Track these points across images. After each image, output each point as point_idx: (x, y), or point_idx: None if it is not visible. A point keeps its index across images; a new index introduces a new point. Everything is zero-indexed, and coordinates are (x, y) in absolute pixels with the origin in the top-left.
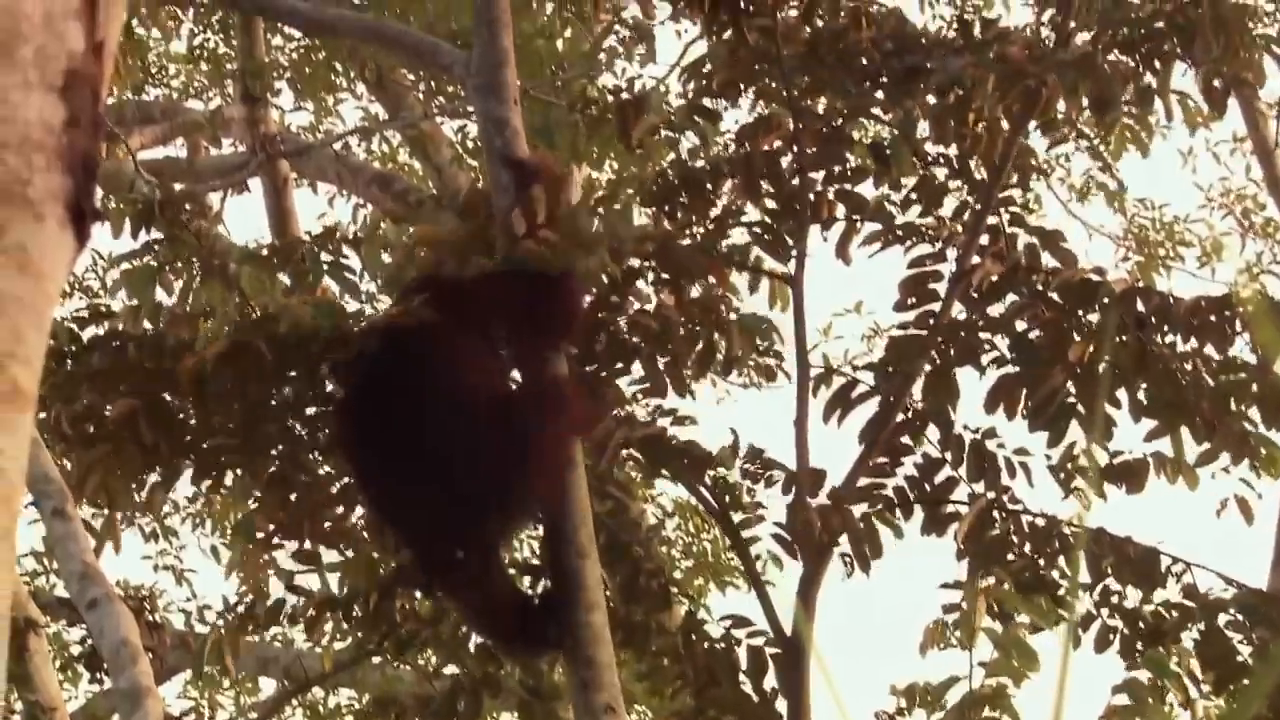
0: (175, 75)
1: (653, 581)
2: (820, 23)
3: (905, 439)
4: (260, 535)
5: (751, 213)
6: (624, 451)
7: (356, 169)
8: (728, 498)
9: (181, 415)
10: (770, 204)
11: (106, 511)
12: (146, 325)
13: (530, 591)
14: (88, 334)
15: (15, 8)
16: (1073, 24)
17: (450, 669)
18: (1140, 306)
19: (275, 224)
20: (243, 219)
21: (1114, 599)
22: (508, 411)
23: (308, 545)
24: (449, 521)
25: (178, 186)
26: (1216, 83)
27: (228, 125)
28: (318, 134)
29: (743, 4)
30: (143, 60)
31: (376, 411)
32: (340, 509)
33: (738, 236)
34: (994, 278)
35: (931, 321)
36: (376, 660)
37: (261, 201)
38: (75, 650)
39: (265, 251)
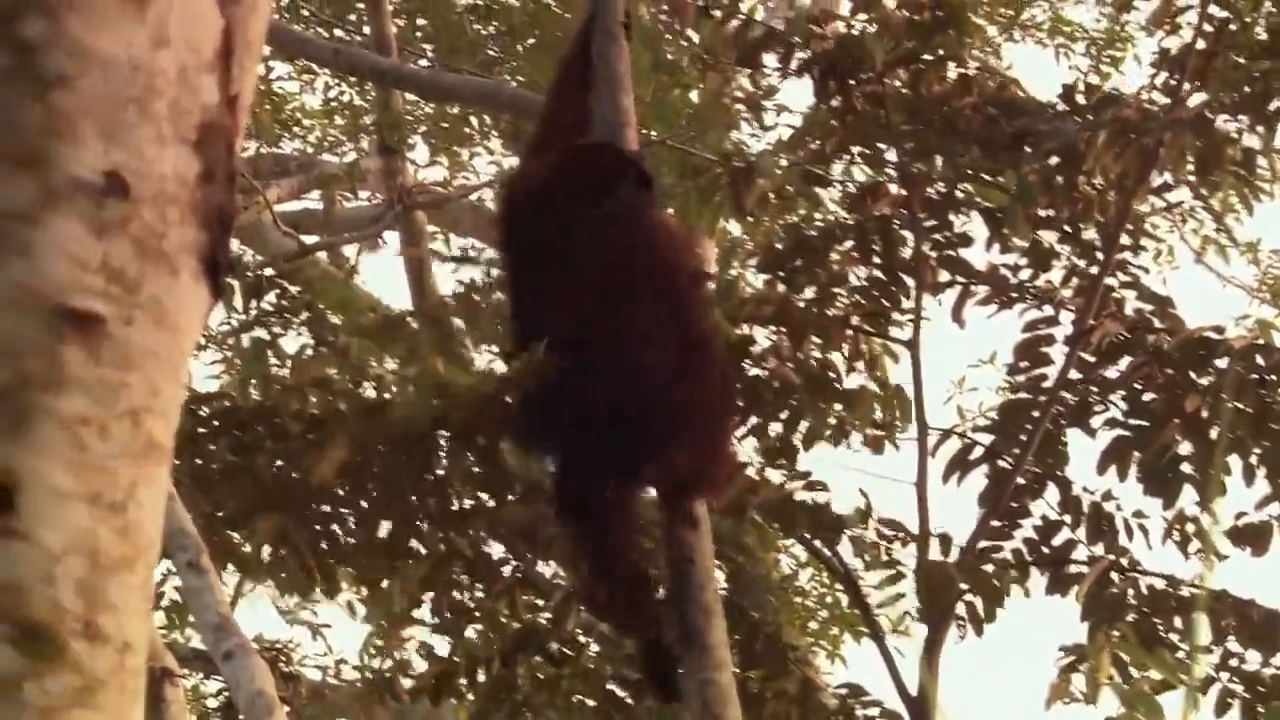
0: (311, 129)
1: (770, 647)
2: (925, 90)
3: (1023, 501)
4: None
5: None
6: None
7: (491, 221)
8: (865, 557)
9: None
10: (878, 272)
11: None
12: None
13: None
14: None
15: (150, 63)
16: (1186, 86)
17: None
18: (1260, 363)
19: (412, 276)
20: (381, 270)
21: (1233, 661)
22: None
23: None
24: (609, 457)
25: (313, 238)
26: None
27: (364, 177)
28: (451, 187)
29: (851, 71)
30: (279, 114)
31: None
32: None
33: (847, 302)
34: (1112, 338)
35: (1045, 386)
36: None
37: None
38: (212, 704)
39: (377, 322)
